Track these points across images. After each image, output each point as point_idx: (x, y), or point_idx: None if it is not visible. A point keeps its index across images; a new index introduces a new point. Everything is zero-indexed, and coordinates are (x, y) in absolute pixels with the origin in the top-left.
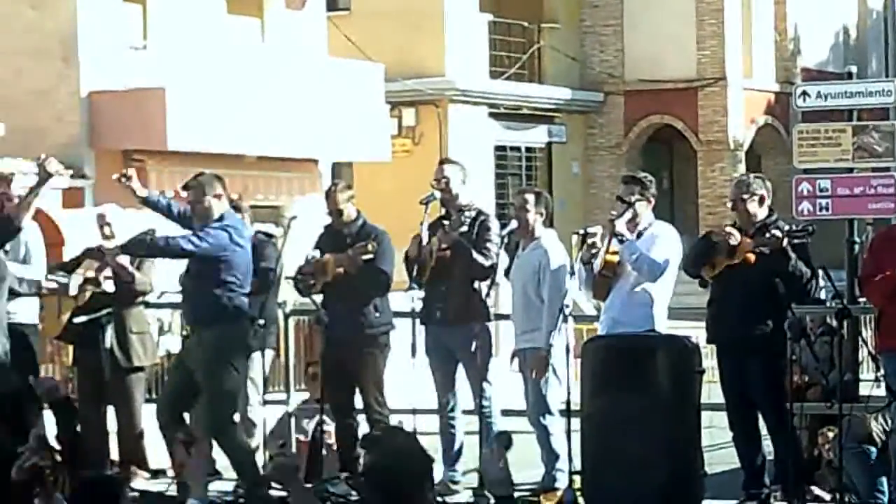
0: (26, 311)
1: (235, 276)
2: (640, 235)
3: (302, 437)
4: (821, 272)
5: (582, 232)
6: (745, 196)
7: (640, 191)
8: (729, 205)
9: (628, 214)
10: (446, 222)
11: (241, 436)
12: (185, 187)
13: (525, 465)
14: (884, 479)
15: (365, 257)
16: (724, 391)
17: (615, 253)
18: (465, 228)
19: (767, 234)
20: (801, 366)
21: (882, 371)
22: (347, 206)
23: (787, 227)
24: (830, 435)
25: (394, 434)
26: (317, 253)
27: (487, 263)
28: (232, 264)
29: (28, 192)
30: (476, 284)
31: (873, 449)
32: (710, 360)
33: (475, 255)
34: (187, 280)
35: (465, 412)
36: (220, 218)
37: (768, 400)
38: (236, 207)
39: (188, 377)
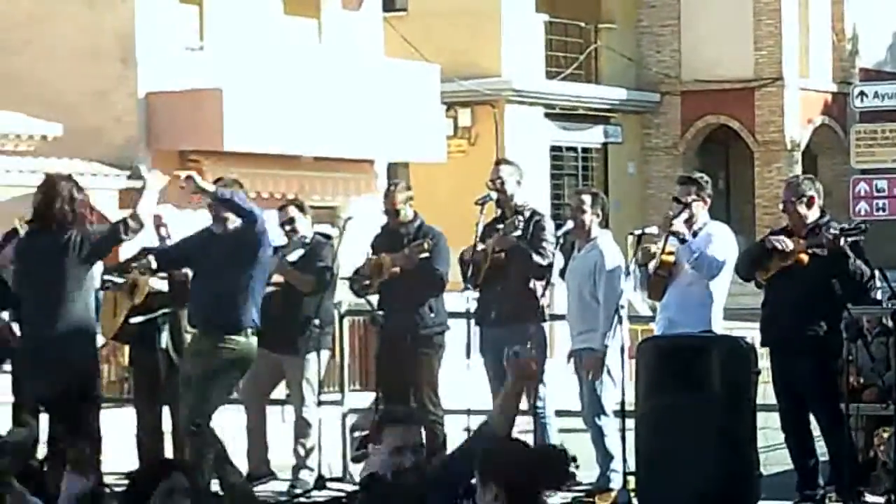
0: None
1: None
2: (695, 235)
3: (355, 434)
4: (877, 273)
5: (638, 233)
6: (795, 199)
7: (696, 191)
8: (780, 207)
9: (685, 214)
10: (500, 226)
11: (213, 441)
12: (216, 181)
13: (582, 465)
14: None
15: (421, 256)
16: (776, 392)
17: (671, 253)
18: (519, 232)
19: (822, 235)
20: (858, 366)
21: None
22: (405, 207)
23: (840, 227)
24: (886, 436)
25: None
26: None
27: (544, 263)
28: (264, 267)
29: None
30: (531, 285)
31: None
32: (764, 361)
33: (532, 255)
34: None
35: (519, 412)
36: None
37: (821, 401)
38: (300, 206)
39: None
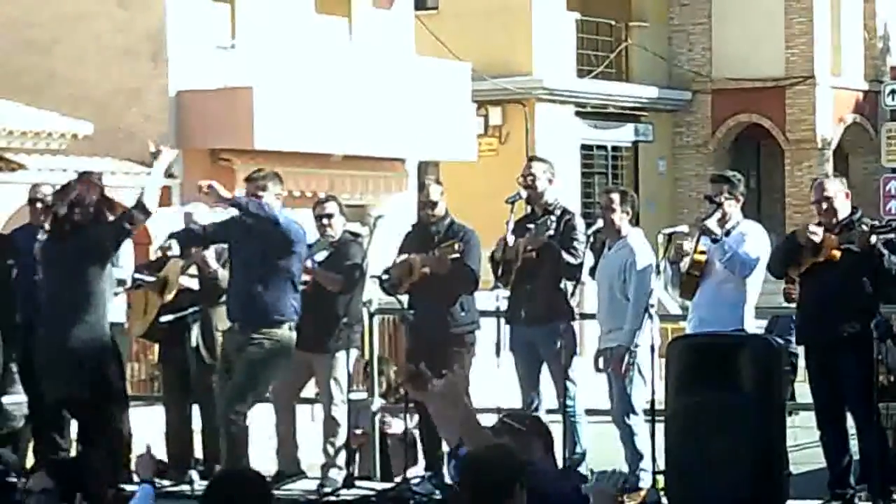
0: (113, 309)
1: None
2: (728, 234)
3: (358, 431)
4: None
5: (668, 232)
6: (821, 199)
7: (728, 189)
8: (813, 207)
9: (718, 214)
10: (531, 226)
11: (245, 437)
12: (247, 179)
13: (608, 465)
14: None
15: (452, 257)
16: (812, 390)
17: (703, 252)
18: (551, 232)
19: (855, 231)
20: (888, 366)
21: None
22: (441, 200)
23: (871, 223)
24: None
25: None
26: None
27: (576, 262)
28: (298, 260)
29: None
30: (562, 284)
31: None
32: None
33: (564, 254)
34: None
35: (549, 411)
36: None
37: (858, 398)
38: (338, 202)
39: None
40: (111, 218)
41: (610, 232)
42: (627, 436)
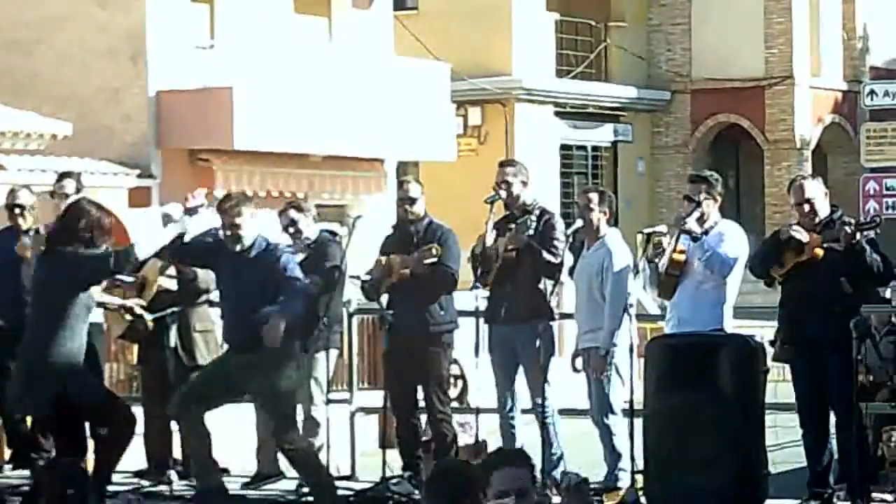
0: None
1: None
2: (706, 234)
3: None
4: None
5: (647, 231)
6: (802, 201)
7: (706, 189)
8: (793, 209)
9: (697, 213)
10: (512, 226)
11: (303, 439)
12: (220, 210)
13: (586, 465)
14: None
15: (429, 261)
16: (796, 389)
17: (682, 251)
18: (531, 232)
19: (837, 230)
20: (867, 365)
21: None
22: (421, 198)
23: (854, 221)
24: (894, 434)
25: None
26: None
27: (556, 261)
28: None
29: None
30: (541, 284)
31: None
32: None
33: (544, 254)
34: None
35: (524, 411)
36: (267, 245)
37: (841, 396)
38: (298, 207)
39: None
40: (100, 244)
41: (588, 232)
42: (606, 436)
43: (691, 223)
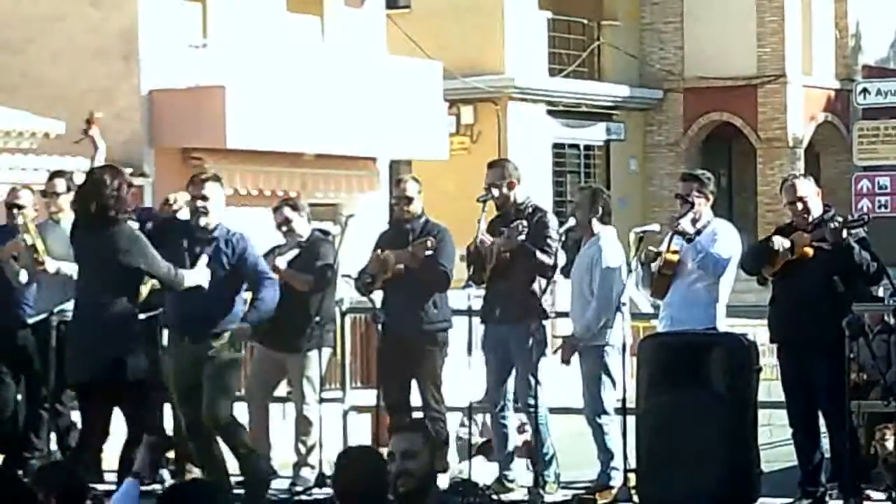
0: None
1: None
2: (699, 233)
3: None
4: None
5: (640, 231)
6: (795, 200)
7: (697, 188)
8: (786, 208)
9: (691, 214)
10: (504, 229)
11: (242, 433)
12: (191, 182)
13: (579, 464)
14: None
15: (424, 253)
16: (785, 388)
17: (675, 252)
18: (524, 236)
19: (826, 228)
20: (860, 364)
21: None
22: (418, 197)
23: (843, 219)
24: (888, 433)
25: (420, 436)
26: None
27: (550, 261)
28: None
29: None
30: (535, 283)
31: None
32: (766, 358)
33: (538, 254)
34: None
35: (517, 410)
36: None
37: (831, 397)
38: (294, 206)
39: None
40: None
41: (583, 231)
42: (598, 435)
43: (685, 224)
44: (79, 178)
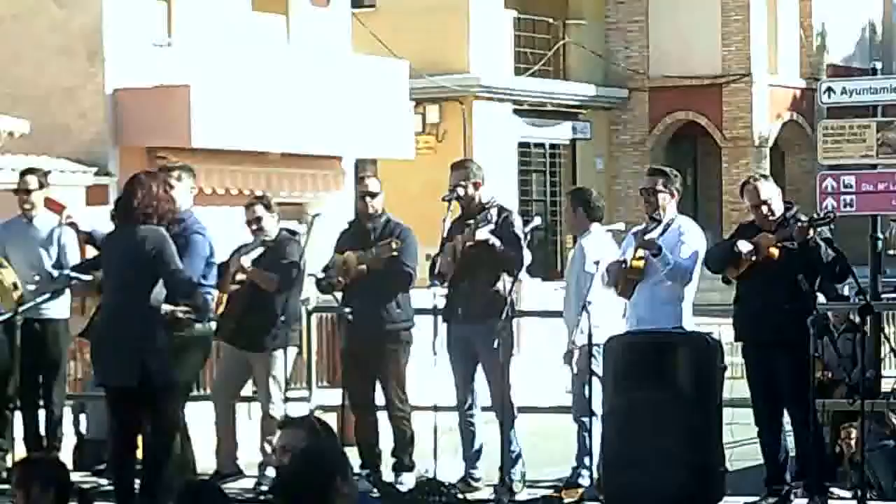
0: (59, 307)
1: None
2: (665, 230)
3: None
4: None
5: (605, 230)
6: (759, 203)
7: (663, 182)
8: (749, 210)
9: (659, 229)
10: (470, 221)
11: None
12: (161, 168)
13: (544, 462)
14: None
15: (388, 255)
16: (751, 387)
17: (641, 258)
18: (492, 226)
19: (791, 227)
20: (824, 362)
21: None
22: (380, 195)
23: (808, 217)
24: (853, 431)
25: (303, 432)
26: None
27: (517, 257)
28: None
29: None
30: (500, 282)
31: (893, 443)
32: (731, 357)
33: (506, 250)
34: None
35: (484, 409)
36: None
37: (796, 395)
38: (267, 205)
39: None
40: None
41: (573, 231)
42: (581, 434)
43: (651, 237)
44: (52, 177)
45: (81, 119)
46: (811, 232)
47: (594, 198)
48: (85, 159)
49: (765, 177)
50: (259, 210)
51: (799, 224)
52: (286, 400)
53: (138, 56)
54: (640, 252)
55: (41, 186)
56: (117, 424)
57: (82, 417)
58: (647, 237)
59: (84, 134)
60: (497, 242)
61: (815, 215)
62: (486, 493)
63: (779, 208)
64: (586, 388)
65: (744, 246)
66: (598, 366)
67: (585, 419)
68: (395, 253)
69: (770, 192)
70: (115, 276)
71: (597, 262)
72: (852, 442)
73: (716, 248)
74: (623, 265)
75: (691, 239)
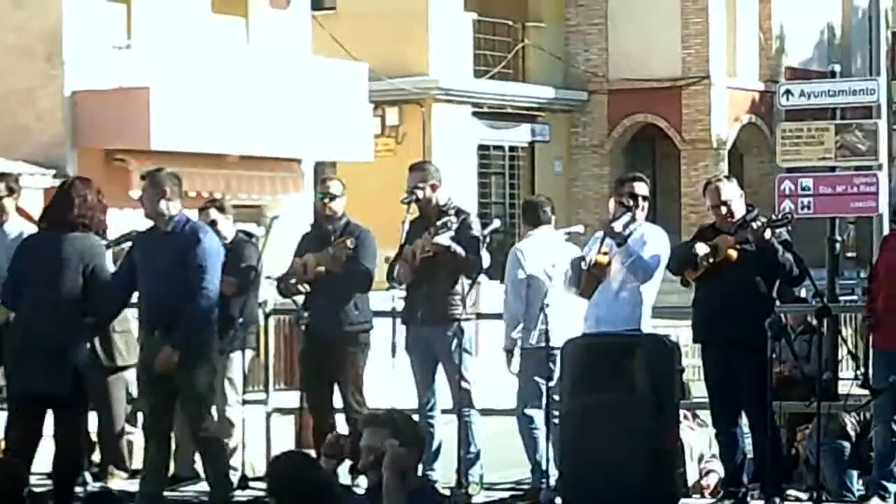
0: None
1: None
2: (629, 236)
3: None
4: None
5: (564, 233)
6: (719, 203)
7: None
8: (709, 211)
9: (626, 217)
10: (432, 229)
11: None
12: (143, 177)
13: (503, 464)
14: (854, 474)
15: (344, 254)
16: (708, 389)
17: (605, 253)
18: (452, 232)
19: (749, 229)
20: (781, 364)
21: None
22: (341, 197)
23: (766, 218)
24: (808, 433)
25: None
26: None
27: (477, 260)
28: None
29: None
30: (458, 284)
31: (847, 444)
32: (689, 359)
33: (465, 253)
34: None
35: (444, 411)
36: (186, 222)
37: (754, 397)
38: (220, 208)
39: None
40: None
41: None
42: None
43: (619, 227)
44: (23, 180)
45: (40, 121)
46: (768, 234)
47: (535, 203)
48: (43, 161)
49: (728, 178)
50: (213, 213)
51: (755, 226)
52: (243, 402)
53: (97, 58)
54: (605, 247)
55: (11, 192)
56: (24, 432)
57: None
58: (613, 226)
59: (42, 136)
60: (457, 248)
61: (771, 217)
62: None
63: (739, 210)
64: (530, 387)
65: (700, 249)
66: (553, 369)
67: (529, 411)
68: (350, 251)
69: (731, 193)
70: (39, 280)
71: (553, 265)
72: (807, 444)
73: (675, 251)
74: (583, 261)
75: (655, 244)
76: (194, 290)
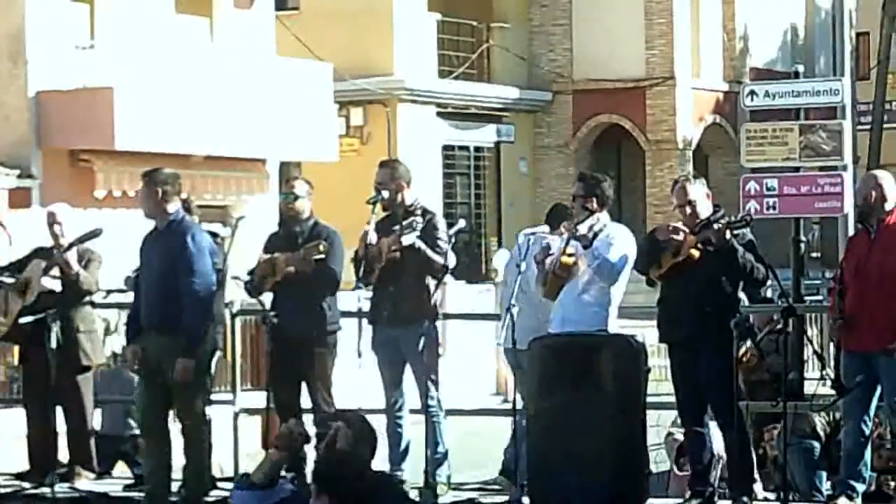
0: None
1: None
2: (595, 236)
3: None
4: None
5: (529, 233)
6: (684, 203)
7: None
8: (675, 210)
9: (591, 220)
10: (396, 227)
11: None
12: (142, 177)
13: (470, 464)
14: (823, 475)
15: (316, 257)
16: (675, 389)
17: (571, 255)
18: (417, 232)
19: (710, 230)
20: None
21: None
22: (306, 197)
23: (726, 220)
24: (775, 433)
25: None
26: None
27: (443, 261)
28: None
29: None
30: (425, 284)
31: (816, 444)
32: (655, 359)
33: (432, 254)
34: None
35: (413, 411)
36: (181, 222)
37: (721, 397)
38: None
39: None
40: None
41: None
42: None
43: (583, 229)
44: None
45: (4, 121)
46: (728, 234)
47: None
48: (7, 162)
49: (696, 178)
50: None
51: (715, 227)
52: (210, 402)
53: (61, 58)
54: (570, 248)
55: None
56: None
57: (97, 413)
58: (579, 229)
59: (6, 136)
60: (423, 247)
61: (731, 218)
62: (411, 494)
63: (705, 210)
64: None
65: (661, 233)
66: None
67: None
68: (322, 255)
69: (697, 193)
70: None
71: (518, 265)
72: (775, 443)
73: (639, 248)
74: (548, 260)
75: (621, 245)
76: (184, 290)
